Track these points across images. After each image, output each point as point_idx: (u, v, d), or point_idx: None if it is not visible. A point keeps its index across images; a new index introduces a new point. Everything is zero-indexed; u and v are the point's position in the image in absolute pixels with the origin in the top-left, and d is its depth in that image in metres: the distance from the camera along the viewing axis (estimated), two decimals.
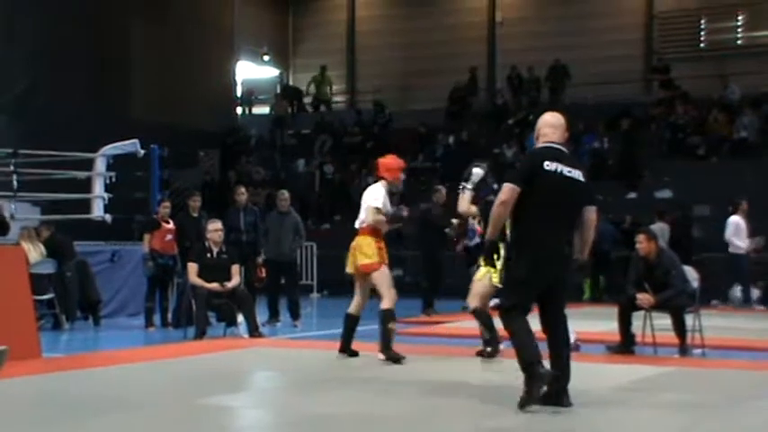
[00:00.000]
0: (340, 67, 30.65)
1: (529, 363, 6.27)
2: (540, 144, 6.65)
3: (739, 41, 26.17)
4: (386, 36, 29.58)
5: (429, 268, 16.07)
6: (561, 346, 6.52)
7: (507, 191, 6.41)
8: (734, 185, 20.60)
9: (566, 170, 6.46)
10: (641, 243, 9.92)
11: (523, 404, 6.24)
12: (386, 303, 9.34)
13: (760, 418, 6.48)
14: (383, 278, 9.39)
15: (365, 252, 9.34)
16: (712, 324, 10.88)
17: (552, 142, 6.59)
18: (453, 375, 8.17)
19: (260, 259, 13.99)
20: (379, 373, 8.66)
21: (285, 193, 14.53)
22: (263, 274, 13.97)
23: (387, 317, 9.26)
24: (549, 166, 6.43)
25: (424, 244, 16.30)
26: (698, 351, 9.98)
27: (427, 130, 26.04)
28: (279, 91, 31.18)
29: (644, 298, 9.78)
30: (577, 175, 6.51)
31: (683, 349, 9.84)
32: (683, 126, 23.25)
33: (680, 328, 9.84)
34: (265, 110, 31.00)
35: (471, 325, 12.48)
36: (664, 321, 10.04)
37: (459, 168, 24.29)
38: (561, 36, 26.52)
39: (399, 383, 7.87)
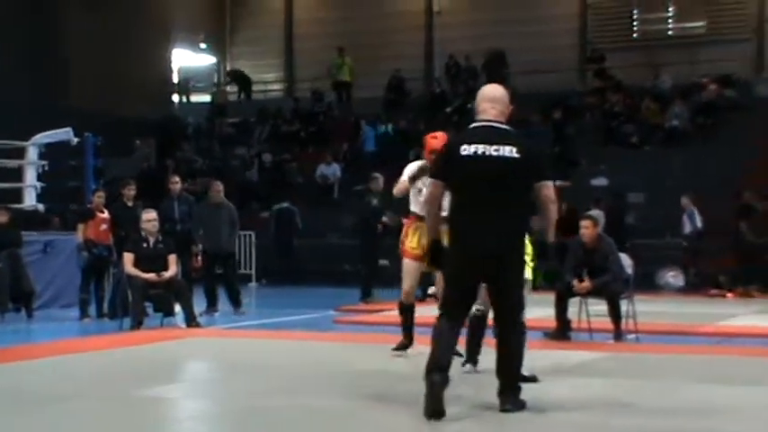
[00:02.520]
0: (278, 56, 30.55)
1: (426, 370, 5.72)
2: (475, 122, 6.05)
3: (670, 32, 26.58)
4: (324, 25, 29.50)
5: (367, 257, 16.11)
6: (502, 344, 6.00)
7: (430, 187, 6.08)
8: (666, 173, 21.01)
9: (491, 150, 5.79)
10: (587, 229, 10.04)
11: (425, 414, 5.65)
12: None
13: (692, 401, 6.61)
14: (404, 267, 8.60)
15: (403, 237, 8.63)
16: (645, 309, 11.06)
17: (488, 120, 5.97)
18: (394, 364, 8.21)
19: (196, 249, 13.91)
20: (319, 361, 8.66)
21: (219, 184, 14.45)
22: (200, 264, 13.89)
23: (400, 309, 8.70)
24: (466, 150, 5.83)
25: (362, 233, 16.33)
26: (631, 336, 10.15)
27: (360, 117, 26.08)
28: (216, 79, 30.94)
29: (581, 285, 9.92)
30: (508, 151, 5.79)
31: (618, 335, 10.00)
32: (617, 114, 23.58)
33: (615, 314, 10.00)
34: (203, 98, 30.75)
35: None
36: (599, 307, 10.19)
37: (397, 157, 24.45)
38: (498, 25, 26.68)
39: (340, 373, 7.89)
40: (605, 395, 6.76)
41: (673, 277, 18.35)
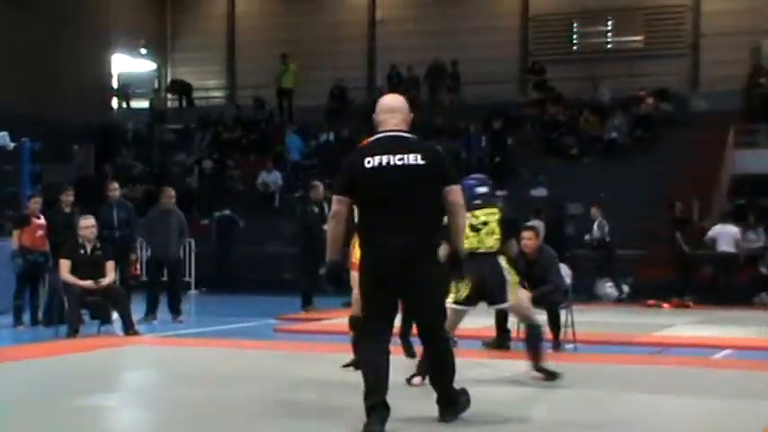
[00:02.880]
0: (220, 62, 30.41)
1: (365, 395, 5.58)
2: (377, 134, 5.90)
3: (609, 46, 26.96)
4: (266, 32, 29.40)
5: (308, 265, 16.06)
6: (429, 356, 5.88)
7: (334, 204, 5.81)
8: (604, 184, 21.27)
9: (395, 159, 5.65)
10: (530, 240, 10.11)
11: None
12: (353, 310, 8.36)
13: (626, 410, 6.70)
14: (352, 280, 8.26)
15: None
16: (584, 320, 11.17)
17: (390, 130, 5.82)
18: (335, 373, 8.19)
19: (134, 256, 13.76)
20: (257, 370, 8.62)
21: (171, 191, 14.31)
22: (138, 272, 13.76)
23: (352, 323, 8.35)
24: (370, 162, 5.68)
25: (302, 240, 16.29)
26: (570, 346, 10.25)
27: (303, 126, 26.07)
28: (157, 85, 30.67)
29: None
30: (413, 159, 5.65)
31: (557, 344, 10.09)
32: (557, 126, 23.84)
33: (554, 324, 10.09)
34: (143, 104, 30.47)
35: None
36: (538, 317, 10.24)
37: (338, 165, 24.26)
38: (440, 36, 26.86)
39: (279, 381, 7.86)
40: (541, 404, 6.81)
41: (611, 288, 18.57)
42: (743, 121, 23.00)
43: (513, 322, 10.11)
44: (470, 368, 8.09)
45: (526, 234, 10.21)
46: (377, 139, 5.86)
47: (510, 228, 8.03)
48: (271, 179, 24.00)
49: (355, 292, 8.27)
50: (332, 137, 25.58)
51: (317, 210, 15.79)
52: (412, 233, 5.63)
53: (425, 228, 5.69)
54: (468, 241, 7.56)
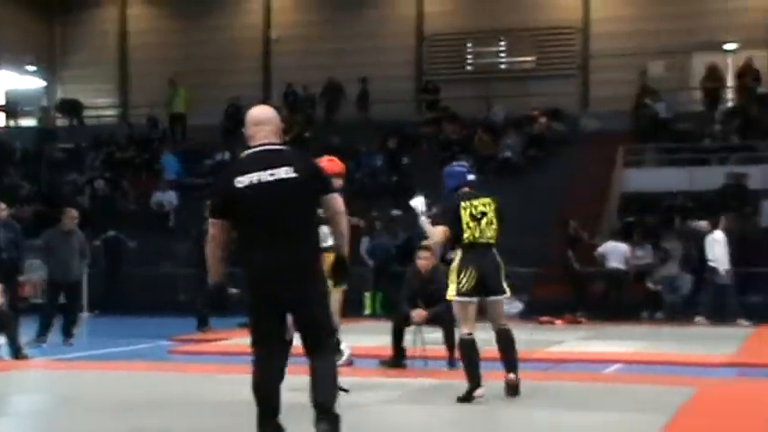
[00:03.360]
0: (111, 80, 29.91)
1: (257, 421, 5.52)
2: (248, 149, 5.75)
3: (502, 65, 27.42)
4: (159, 49, 29.05)
5: (203, 286, 15.86)
6: (313, 371, 5.56)
7: (210, 227, 5.70)
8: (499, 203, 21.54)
9: (266, 176, 5.50)
10: (426, 259, 10.19)
11: None
12: None
13: (518, 425, 6.79)
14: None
15: None
16: (479, 337, 11.26)
17: (260, 144, 5.66)
18: (230, 394, 8.11)
19: (22, 278, 13.43)
20: (149, 392, 8.47)
21: (73, 212, 13.99)
22: (26, 294, 13.43)
23: None
24: (240, 182, 5.51)
25: (197, 261, 16.08)
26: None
27: (198, 145, 25.84)
28: (46, 103, 30.01)
29: (417, 314, 10.06)
30: (284, 173, 5.51)
31: (452, 362, 10.16)
32: (452, 145, 24.10)
33: (449, 342, 10.16)
34: (31, 122, 29.77)
35: (246, 341, 12.45)
36: (434, 335, 10.34)
37: None
38: (336, 55, 26.96)
39: (170, 403, 7.75)
40: (440, 422, 6.86)
41: (507, 304, 18.76)
42: (631, 140, 23.62)
43: (408, 340, 10.17)
44: (370, 387, 8.12)
45: (422, 254, 10.29)
46: (247, 156, 5.69)
47: (501, 219, 8.11)
48: (165, 199, 23.69)
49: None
50: (227, 156, 25.38)
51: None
52: (291, 249, 5.47)
53: (305, 241, 5.55)
54: (470, 231, 7.84)
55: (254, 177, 5.50)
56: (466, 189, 8.11)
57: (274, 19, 28.57)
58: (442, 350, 10.23)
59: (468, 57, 27.53)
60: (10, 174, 26.27)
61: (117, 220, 22.78)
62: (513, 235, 19.55)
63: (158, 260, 22.12)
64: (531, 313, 18.23)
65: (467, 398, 7.60)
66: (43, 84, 30.05)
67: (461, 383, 8.18)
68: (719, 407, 7.78)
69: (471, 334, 7.81)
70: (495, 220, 7.97)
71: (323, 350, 5.58)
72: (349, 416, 6.54)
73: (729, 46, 25.08)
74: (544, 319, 17.46)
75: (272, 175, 5.49)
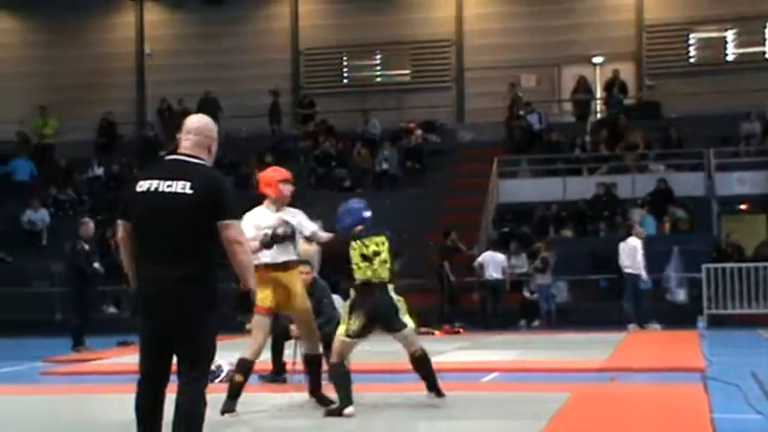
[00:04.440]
0: None
1: None
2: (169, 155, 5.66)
3: (378, 79, 27.66)
4: (28, 64, 28.29)
5: (79, 304, 15.55)
6: (177, 402, 5.21)
7: (118, 228, 5.53)
8: (378, 215, 21.68)
9: (164, 186, 5.30)
10: (306, 273, 10.18)
11: None
12: (246, 352, 8.08)
13: None
14: (254, 322, 8.16)
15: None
16: (358, 349, 11.31)
17: (181, 153, 5.46)
18: (103, 414, 7.96)
19: None
20: (21, 417, 8.24)
21: None
22: None
23: (239, 366, 8.07)
24: (141, 187, 5.35)
25: (72, 280, 15.76)
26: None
27: (71, 162, 25.33)
28: None
29: (294, 329, 10.04)
30: (180, 187, 5.28)
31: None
32: (330, 158, 24.17)
33: (328, 355, 10.17)
34: None
35: (124, 360, 12.25)
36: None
37: (108, 201, 23.85)
38: (212, 69, 26.77)
39: (43, 426, 7.56)
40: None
41: None
42: (506, 151, 24.11)
43: (288, 354, 10.14)
44: (250, 403, 8.07)
45: (303, 268, 10.28)
46: (158, 162, 5.60)
47: (396, 255, 8.13)
48: (37, 217, 23.12)
49: (259, 338, 8.11)
50: (101, 172, 24.94)
51: (87, 247, 15.36)
52: (175, 266, 5.21)
53: (189, 262, 5.23)
54: (361, 271, 7.84)
55: (153, 185, 5.32)
56: (359, 228, 8.08)
57: (147, 33, 28.15)
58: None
59: (345, 70, 27.67)
60: None
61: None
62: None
63: (32, 279, 21.56)
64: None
65: (336, 412, 7.71)
66: None
67: (333, 395, 8.23)
68: (593, 411, 8.01)
69: (344, 365, 8.00)
70: (389, 259, 7.95)
71: (190, 381, 5.24)
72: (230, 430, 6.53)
73: (597, 59, 25.87)
74: (423, 330, 17.56)
75: (168, 186, 5.29)
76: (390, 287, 7.98)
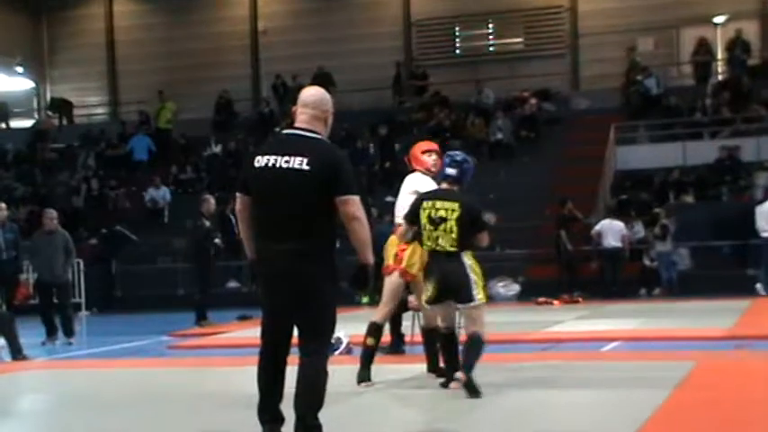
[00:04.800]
0: (101, 78, 29.82)
1: (258, 410, 5.43)
2: (286, 128, 5.63)
3: (491, 48, 27.38)
4: (147, 46, 29.02)
5: (201, 280, 15.91)
6: (300, 372, 5.28)
7: (237, 201, 5.60)
8: (493, 186, 21.59)
9: (281, 161, 5.31)
10: None
11: None
12: (376, 316, 8.26)
13: (522, 406, 6.82)
14: (388, 286, 8.15)
15: (388, 253, 8.09)
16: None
17: (297, 127, 5.46)
18: (231, 387, 8.13)
19: (22, 277, 13.48)
20: (152, 388, 8.49)
21: (52, 212, 14.06)
22: (25, 294, 13.47)
23: (369, 329, 8.17)
24: (259, 162, 5.37)
25: (194, 256, 16.13)
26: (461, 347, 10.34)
27: (190, 140, 25.84)
28: (37, 103, 29.95)
29: (414, 300, 10.05)
30: (298, 163, 5.27)
31: None
32: (443, 130, 24.08)
33: None
34: (22, 123, 29.70)
35: (246, 334, 12.49)
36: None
37: (227, 178, 24.32)
38: (324, 44, 26.90)
39: (172, 398, 7.77)
40: (437, 405, 6.89)
41: (503, 287, 18.84)
42: (623, 118, 23.62)
43: (406, 326, 10.18)
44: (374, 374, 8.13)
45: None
46: (278, 135, 5.60)
47: (473, 224, 7.26)
48: (159, 195, 23.71)
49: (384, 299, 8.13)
50: (219, 149, 25.40)
51: (207, 223, 15.67)
52: (293, 241, 5.24)
53: (305, 238, 5.26)
54: (427, 235, 7.27)
55: (270, 160, 5.34)
56: (444, 186, 7.49)
57: (261, 10, 28.48)
58: None
59: (457, 40, 27.48)
60: (3, 176, 26.26)
61: (112, 218, 22.81)
62: (507, 217, 19.82)
63: (155, 256, 22.16)
64: (528, 295, 18.28)
65: (447, 383, 7.48)
66: (32, 84, 29.96)
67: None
68: (719, 380, 7.81)
69: (437, 328, 7.61)
70: (455, 229, 7.17)
71: (311, 351, 5.30)
72: (351, 402, 6.59)
73: (718, 19, 25.05)
74: (541, 300, 17.50)
75: (286, 162, 5.30)
76: (466, 255, 7.24)
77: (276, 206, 5.30)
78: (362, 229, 5.33)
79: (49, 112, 29.57)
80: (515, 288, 18.96)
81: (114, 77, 29.79)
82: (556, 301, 17.38)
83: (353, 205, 5.28)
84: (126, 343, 13.62)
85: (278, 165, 5.30)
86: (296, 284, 5.27)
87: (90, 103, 30.03)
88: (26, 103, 30.14)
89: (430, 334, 8.09)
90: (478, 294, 7.22)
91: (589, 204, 20.80)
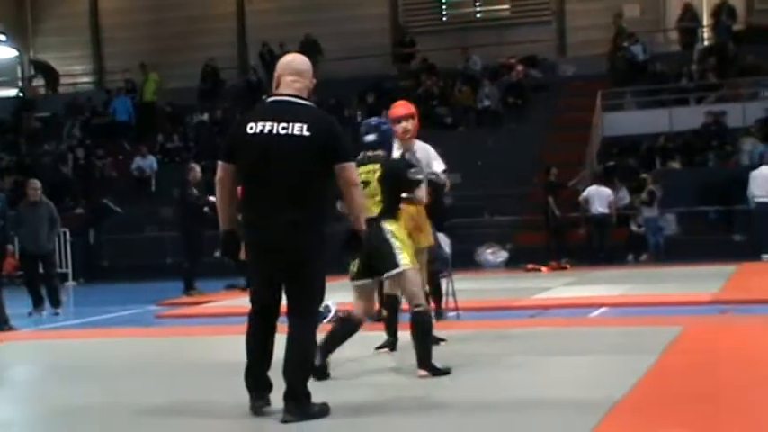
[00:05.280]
0: (86, 46, 29.59)
1: (245, 375, 5.45)
2: (272, 96, 5.53)
3: (478, 15, 27.26)
4: (132, 14, 28.81)
5: (189, 249, 15.89)
6: (285, 358, 5.29)
7: (218, 169, 5.45)
8: (480, 153, 21.60)
9: (278, 128, 5.24)
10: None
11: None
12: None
13: (511, 373, 6.86)
14: None
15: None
16: (465, 287, 11.34)
17: (286, 94, 5.42)
18: (217, 355, 8.14)
19: (9, 248, 13.43)
20: (138, 357, 8.49)
21: (36, 183, 13.97)
22: (14, 264, 13.44)
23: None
24: (252, 128, 5.29)
25: (182, 225, 16.11)
26: (452, 314, 10.38)
27: (176, 109, 25.71)
28: (21, 72, 29.74)
29: None
30: (297, 129, 5.23)
31: (439, 313, 10.14)
32: (431, 97, 24.02)
33: (435, 293, 10.18)
34: (6, 92, 29.49)
35: (234, 303, 12.50)
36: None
37: (214, 146, 24.16)
38: (310, 11, 26.72)
39: (160, 368, 7.78)
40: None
41: (491, 254, 18.90)
42: (609, 84, 23.59)
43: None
44: (359, 341, 8.14)
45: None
46: (269, 102, 5.49)
47: (399, 182, 6.81)
48: (146, 164, 23.63)
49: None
50: (206, 117, 25.29)
51: (195, 192, 15.64)
52: (289, 208, 5.22)
53: (308, 204, 5.27)
54: None
55: (266, 126, 5.27)
56: (367, 153, 6.87)
57: None
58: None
59: (444, 7, 27.35)
60: None
61: (98, 188, 22.73)
62: (495, 184, 19.87)
63: (143, 225, 22.13)
64: (517, 262, 18.33)
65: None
66: (15, 53, 29.71)
67: (448, 334, 8.24)
68: (706, 345, 7.85)
69: (352, 317, 6.79)
70: (378, 191, 6.67)
71: (300, 318, 5.33)
72: (342, 370, 6.61)
73: None
74: (530, 266, 17.55)
75: (284, 128, 5.25)
76: (388, 221, 6.65)
77: (273, 173, 5.23)
78: (360, 196, 5.44)
79: (33, 75, 29.31)
80: (504, 255, 19.02)
81: (99, 46, 29.57)
82: (544, 268, 17.43)
83: (352, 171, 5.34)
84: (113, 313, 13.61)
85: (274, 131, 5.24)
86: (290, 254, 5.27)
87: (75, 72, 29.81)
88: (9, 71, 29.89)
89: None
90: (404, 260, 6.59)
91: (577, 171, 20.80)
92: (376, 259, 6.58)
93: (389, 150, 7.02)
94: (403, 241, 6.70)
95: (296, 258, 5.29)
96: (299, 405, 5.29)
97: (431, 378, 6.52)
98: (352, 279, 6.75)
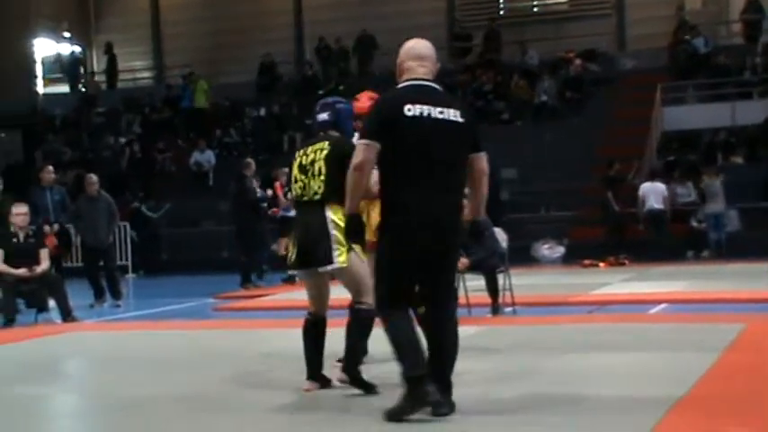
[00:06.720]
0: (146, 42, 29.94)
1: (408, 377, 5.04)
2: (402, 82, 5.30)
3: (535, 8, 27.05)
4: (192, 9, 29.05)
5: (245, 242, 15.98)
6: (442, 349, 5.15)
7: (361, 151, 5.10)
8: (537, 148, 21.46)
9: (436, 112, 5.12)
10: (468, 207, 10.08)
11: (391, 416, 5.07)
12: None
13: (568, 369, 6.79)
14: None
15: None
16: (521, 283, 11.27)
17: (418, 78, 5.26)
18: (274, 348, 8.17)
19: (55, 228, 13.58)
20: (197, 349, 8.56)
21: (93, 177, 14.17)
22: (55, 245, 13.47)
23: None
24: (411, 110, 5.09)
25: (239, 218, 16.20)
26: (509, 309, 10.34)
27: (234, 103, 25.85)
28: (83, 68, 30.16)
29: (459, 263, 10.00)
30: (453, 115, 5.16)
31: (495, 308, 10.16)
32: (488, 92, 23.90)
33: (492, 289, 10.15)
34: (68, 88, 29.93)
35: (290, 296, 12.55)
36: (476, 283, 10.33)
37: (271, 141, 24.40)
38: (366, 6, 26.73)
39: (218, 360, 7.83)
40: (485, 368, 6.86)
41: (548, 249, 18.75)
42: (670, 78, 23.26)
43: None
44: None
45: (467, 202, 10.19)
46: (412, 86, 5.23)
47: (342, 163, 5.67)
48: (204, 158, 23.82)
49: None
50: (263, 112, 25.43)
51: (254, 186, 15.75)
52: (447, 196, 5.13)
53: (459, 190, 5.26)
54: (296, 187, 6.17)
55: (424, 109, 5.12)
56: (320, 132, 6.32)
57: None
58: (485, 297, 10.23)
59: (501, 1, 27.17)
60: (50, 140, 26.51)
61: (157, 183, 22.97)
62: (553, 179, 19.70)
63: (200, 219, 22.34)
64: (574, 257, 18.17)
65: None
66: (79, 49, 30.12)
67: (506, 330, 8.20)
68: None
69: (314, 314, 6.15)
70: (324, 168, 6.01)
71: (448, 312, 5.24)
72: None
73: None
74: (587, 262, 17.38)
75: (441, 113, 5.14)
76: (332, 207, 5.94)
77: (431, 157, 5.10)
78: (487, 186, 5.37)
79: (97, 78, 29.69)
80: (560, 250, 18.87)
81: (159, 42, 29.88)
82: (602, 263, 17.24)
83: (485, 160, 5.32)
84: (172, 305, 13.75)
85: (433, 115, 5.13)
86: (449, 237, 5.18)
87: (135, 68, 30.17)
88: (74, 68, 30.29)
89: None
90: (340, 256, 5.92)
91: (636, 166, 20.55)
92: (311, 251, 5.98)
93: (345, 130, 6.35)
94: (341, 234, 5.85)
95: (453, 240, 5.23)
96: (450, 396, 5.18)
97: (352, 388, 5.92)
98: (290, 268, 6.34)
